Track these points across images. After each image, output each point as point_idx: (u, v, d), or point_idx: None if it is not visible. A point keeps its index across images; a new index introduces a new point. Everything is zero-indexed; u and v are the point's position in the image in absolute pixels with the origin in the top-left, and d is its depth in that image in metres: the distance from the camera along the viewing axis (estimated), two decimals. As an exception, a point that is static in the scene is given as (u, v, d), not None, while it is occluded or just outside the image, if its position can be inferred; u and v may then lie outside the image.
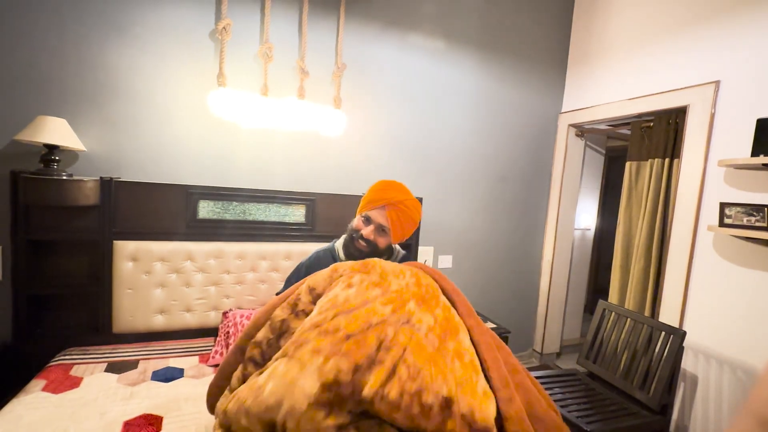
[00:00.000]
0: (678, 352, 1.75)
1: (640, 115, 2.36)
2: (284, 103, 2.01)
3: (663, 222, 2.24)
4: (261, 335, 0.98)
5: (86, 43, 1.71)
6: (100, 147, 1.77)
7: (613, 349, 2.03)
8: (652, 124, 2.34)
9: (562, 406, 1.73)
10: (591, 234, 3.29)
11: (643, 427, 1.69)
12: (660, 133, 2.26)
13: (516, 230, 2.86)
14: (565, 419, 1.66)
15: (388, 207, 1.28)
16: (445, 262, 2.63)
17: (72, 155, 1.74)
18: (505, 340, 2.32)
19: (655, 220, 2.26)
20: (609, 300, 2.50)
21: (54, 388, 1.34)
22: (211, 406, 1.01)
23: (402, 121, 2.38)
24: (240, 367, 0.97)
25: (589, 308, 3.54)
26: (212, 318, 1.91)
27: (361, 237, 1.30)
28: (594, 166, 3.17)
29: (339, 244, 1.42)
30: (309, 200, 2.09)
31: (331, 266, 1.04)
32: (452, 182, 2.58)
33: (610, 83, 2.52)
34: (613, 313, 2.10)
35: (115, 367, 1.52)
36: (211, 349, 1.75)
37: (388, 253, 1.37)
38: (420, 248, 2.47)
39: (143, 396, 1.33)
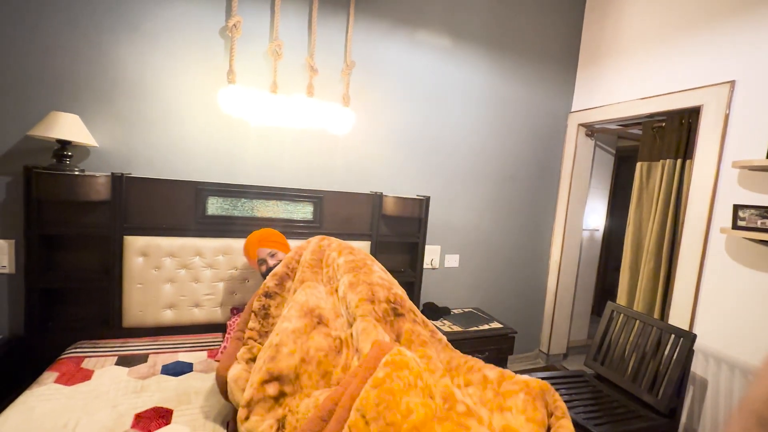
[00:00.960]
0: (688, 355, 1.73)
1: (651, 115, 2.33)
2: (293, 101, 2.01)
3: (674, 223, 2.21)
4: (252, 323, 1.39)
5: (98, 40, 1.72)
6: (111, 143, 1.79)
7: (622, 351, 2.01)
8: (664, 124, 2.31)
9: (569, 407, 1.72)
10: (599, 235, 3.26)
11: (651, 430, 1.67)
12: (672, 134, 2.23)
13: (523, 230, 2.84)
14: (572, 420, 1.65)
15: (261, 243, 1.79)
16: (452, 261, 2.62)
17: (83, 151, 1.76)
18: (512, 340, 2.31)
19: (666, 221, 2.23)
20: (617, 301, 2.47)
21: (66, 380, 1.36)
22: (223, 385, 1.22)
23: (410, 119, 2.37)
24: (243, 349, 1.29)
25: (596, 310, 3.52)
26: (220, 314, 1.93)
27: (270, 269, 1.72)
28: (603, 166, 3.14)
29: None
30: (317, 198, 2.10)
31: (282, 262, 1.61)
32: (460, 181, 2.57)
33: (621, 82, 2.49)
34: (622, 315, 2.08)
35: (125, 361, 1.54)
36: (219, 345, 1.77)
37: None
38: (427, 247, 2.46)
39: (154, 389, 1.35)
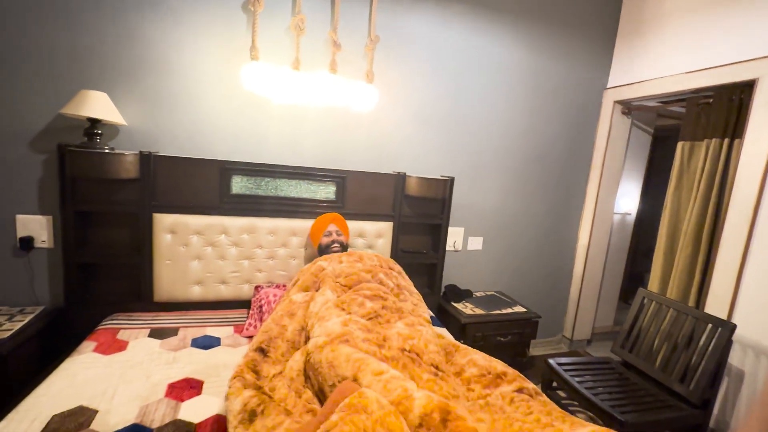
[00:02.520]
0: (726, 345, 1.65)
1: (697, 91, 2.16)
2: (316, 78, 1.97)
3: (716, 207, 2.07)
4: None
5: (122, 17, 1.71)
6: (138, 121, 1.81)
7: (652, 339, 1.94)
8: (711, 100, 2.14)
9: (593, 394, 1.69)
10: (631, 219, 3.12)
11: (681, 420, 1.62)
12: (720, 111, 2.07)
13: (551, 212, 2.75)
14: (597, 407, 1.62)
15: (331, 222, 1.97)
16: (475, 244, 2.57)
17: (113, 129, 1.79)
18: (535, 324, 2.27)
19: (708, 205, 2.10)
20: (648, 288, 2.38)
21: (104, 349, 1.43)
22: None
23: (435, 96, 2.29)
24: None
25: (624, 296, 3.41)
26: (245, 291, 1.97)
27: (331, 243, 1.92)
28: (639, 146, 2.97)
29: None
30: (339, 177, 2.08)
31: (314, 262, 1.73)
32: (486, 160, 2.49)
33: (664, 55, 2.30)
34: (654, 302, 2.00)
35: (157, 333, 1.60)
36: (245, 321, 1.81)
37: (347, 247, 1.98)
38: (450, 229, 2.42)
39: (185, 361, 1.40)
